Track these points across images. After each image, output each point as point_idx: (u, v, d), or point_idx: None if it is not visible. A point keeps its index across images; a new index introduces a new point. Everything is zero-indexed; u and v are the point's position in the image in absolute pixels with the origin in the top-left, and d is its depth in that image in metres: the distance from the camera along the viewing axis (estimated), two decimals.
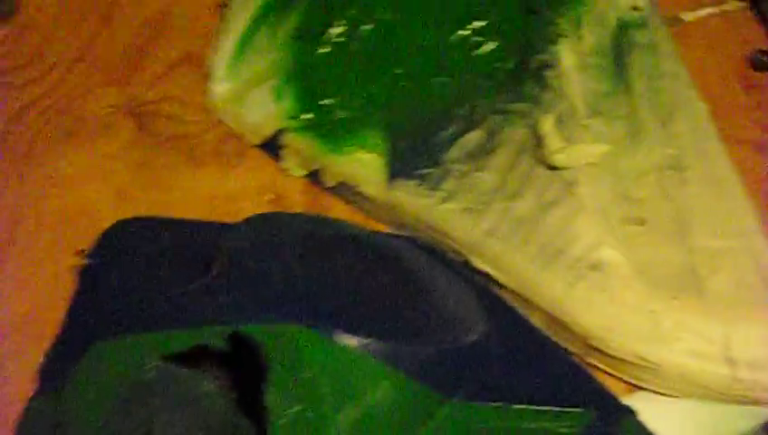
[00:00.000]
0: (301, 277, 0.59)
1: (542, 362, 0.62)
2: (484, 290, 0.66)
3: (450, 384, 0.57)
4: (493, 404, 0.57)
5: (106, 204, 0.74)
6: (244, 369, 0.56)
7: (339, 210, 0.75)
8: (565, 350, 0.65)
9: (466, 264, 0.69)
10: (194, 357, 0.57)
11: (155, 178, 0.76)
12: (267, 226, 0.64)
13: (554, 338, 0.66)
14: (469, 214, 0.69)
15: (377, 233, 0.70)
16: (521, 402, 0.58)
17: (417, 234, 0.71)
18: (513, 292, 0.67)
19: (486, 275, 0.68)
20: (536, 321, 0.66)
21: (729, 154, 0.73)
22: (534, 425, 0.57)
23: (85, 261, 0.69)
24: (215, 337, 0.56)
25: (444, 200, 0.69)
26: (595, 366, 0.65)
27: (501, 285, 0.67)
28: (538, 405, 0.57)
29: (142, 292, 0.65)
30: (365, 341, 0.55)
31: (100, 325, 0.63)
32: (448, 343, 0.57)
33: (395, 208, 0.71)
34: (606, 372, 0.65)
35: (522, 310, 0.67)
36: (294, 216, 0.70)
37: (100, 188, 0.75)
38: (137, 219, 0.73)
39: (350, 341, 0.55)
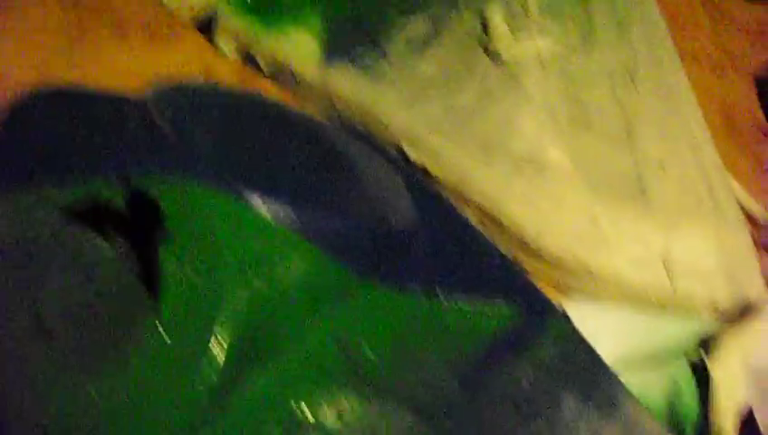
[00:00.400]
0: (216, 142, 0.54)
1: (470, 254, 0.58)
2: (415, 179, 0.61)
3: (370, 267, 0.53)
4: (415, 292, 0.54)
5: (26, 76, 0.68)
6: (146, 234, 0.50)
7: (272, 96, 0.69)
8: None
9: (401, 155, 0.64)
10: (92, 218, 0.52)
11: (80, 52, 0.70)
12: (188, 92, 0.59)
13: (491, 239, 0.61)
14: (408, 102, 0.64)
15: (302, 113, 0.65)
16: (444, 293, 0.54)
17: (351, 123, 0.67)
18: (449, 187, 0.63)
19: (422, 169, 0.63)
20: (470, 218, 0.61)
21: (685, 70, 0.69)
22: (458, 318, 0.54)
23: None
24: (111, 190, 0.52)
25: (381, 85, 0.65)
26: (527, 272, 0.60)
27: (436, 180, 0.63)
28: (463, 297, 0.54)
29: (41, 151, 0.59)
30: (278, 208, 0.50)
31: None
32: (370, 222, 0.52)
33: (330, 92, 0.67)
34: (536, 277, 0.60)
35: (460, 205, 0.62)
36: (218, 87, 0.65)
37: (22, 60, 0.69)
38: (50, 90, 0.67)
39: (262, 207, 0.50)
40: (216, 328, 0.47)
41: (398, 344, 0.51)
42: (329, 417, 0.47)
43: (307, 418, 0.47)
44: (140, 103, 0.59)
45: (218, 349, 0.47)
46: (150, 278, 0.51)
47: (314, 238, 0.50)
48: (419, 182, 0.62)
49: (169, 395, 0.46)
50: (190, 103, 0.57)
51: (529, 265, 0.61)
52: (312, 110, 0.69)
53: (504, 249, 0.61)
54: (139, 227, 0.52)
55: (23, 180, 0.55)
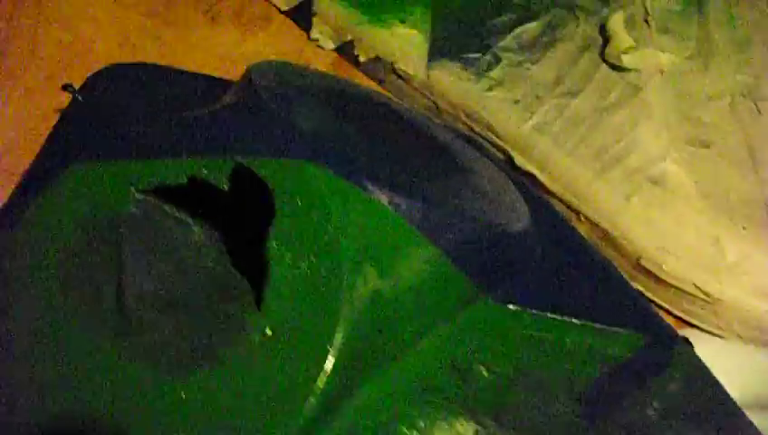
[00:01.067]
0: (327, 122, 0.50)
1: (588, 273, 0.53)
2: (527, 190, 0.56)
3: (485, 277, 0.48)
4: (532, 310, 0.49)
5: (108, 49, 0.64)
6: (246, 215, 0.45)
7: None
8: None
9: (508, 161, 0.59)
10: (185, 195, 0.48)
11: (167, 30, 0.66)
12: (291, 71, 0.55)
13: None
14: (518, 106, 0.60)
15: (409, 108, 0.60)
16: (562, 313, 0.49)
17: (456, 124, 0.62)
18: (559, 198, 0.58)
19: (531, 177, 0.58)
20: (586, 232, 0.56)
21: None
22: (577, 341, 0.49)
23: (74, 96, 0.59)
24: (212, 170, 0.47)
25: (491, 88, 0.61)
26: (642, 294, 0.55)
27: (546, 190, 0.58)
28: (582, 319, 0.49)
29: (131, 123, 0.54)
30: (399, 199, 0.45)
31: (77, 154, 0.52)
32: (490, 224, 0.47)
33: (434, 92, 0.62)
34: (654, 303, 0.55)
35: (571, 220, 0.58)
36: (319, 72, 0.61)
37: (106, 33, 0.65)
38: (135, 65, 0.63)
39: (381, 196, 0.45)
40: (333, 327, 0.41)
41: (514, 366, 0.47)
42: None
43: None
44: (238, 83, 0.54)
45: (333, 351, 0.42)
46: (252, 268, 0.46)
47: (437, 238, 0.45)
48: (531, 192, 0.57)
49: (275, 401, 0.42)
50: (296, 83, 0.53)
51: (645, 286, 0.55)
52: (410, 106, 0.64)
53: (619, 268, 0.56)
54: (241, 210, 0.47)
55: (106, 156, 0.51)
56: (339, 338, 0.42)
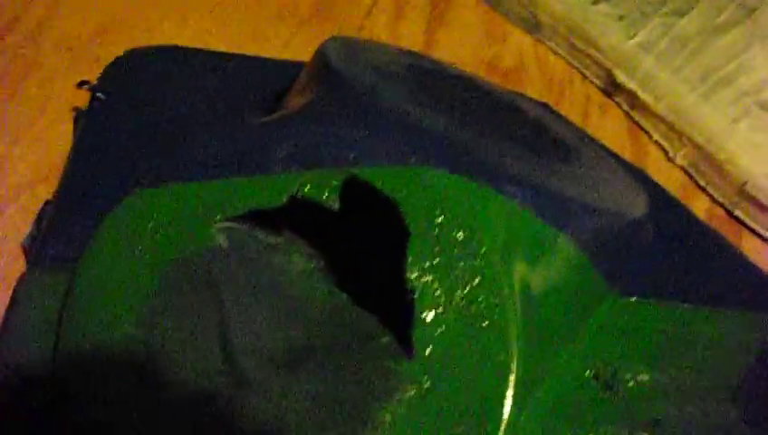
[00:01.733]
0: (429, 113, 0.46)
1: (711, 257, 0.52)
2: (639, 173, 0.54)
3: (613, 269, 0.47)
4: (658, 302, 0.47)
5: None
6: (362, 238, 0.44)
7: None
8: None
9: (610, 79, 0.57)
10: (280, 219, 0.44)
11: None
12: (369, 48, 0.50)
13: (703, 180, 0.56)
14: (623, 22, 0.57)
15: (487, 81, 0.56)
16: (688, 301, 0.48)
17: (554, 39, 0.58)
18: (662, 118, 0.56)
19: (632, 96, 0.56)
20: (685, 158, 0.56)
21: None
22: (714, 331, 0.47)
23: (93, 94, 0.53)
24: (314, 184, 0.42)
25: (596, 2, 0.57)
26: (744, 224, 0.56)
27: (649, 110, 0.56)
28: (711, 306, 0.47)
29: (182, 127, 0.50)
30: (529, 196, 0.43)
31: (123, 172, 0.48)
32: (612, 212, 0.46)
33: (536, 3, 0.58)
34: (758, 234, 0.56)
35: (669, 143, 0.58)
36: (381, 44, 0.55)
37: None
38: (159, 49, 0.57)
39: (512, 194, 0.43)
40: (505, 369, 0.41)
41: (659, 368, 0.45)
42: None
43: None
44: (310, 68, 0.49)
45: (509, 398, 0.40)
46: (389, 305, 0.43)
47: (570, 233, 0.44)
48: (643, 174, 0.55)
49: None
50: (379, 64, 0.49)
51: (747, 213, 0.56)
52: (511, 21, 0.60)
53: (719, 195, 0.57)
54: (356, 232, 0.45)
55: (170, 176, 0.46)
56: (512, 381, 0.41)
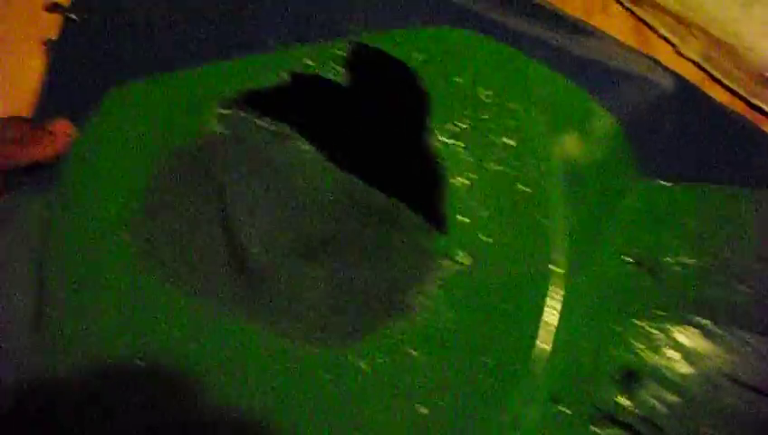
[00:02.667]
0: None
1: (739, 139, 0.49)
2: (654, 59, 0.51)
3: (642, 151, 0.44)
4: (691, 185, 0.45)
5: None
6: (375, 110, 0.39)
7: None
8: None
9: None
10: (282, 100, 0.41)
11: None
12: None
13: (717, 72, 0.52)
14: None
15: None
16: (720, 183, 0.45)
17: None
18: (667, 12, 0.54)
19: None
20: (696, 51, 0.53)
21: None
22: (747, 209, 0.44)
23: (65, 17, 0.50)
24: (316, 57, 0.39)
25: None
26: (764, 112, 0.52)
27: (653, 4, 0.53)
28: (741, 185, 0.45)
29: (162, 23, 0.47)
30: (558, 58, 0.40)
31: (103, 82, 0.46)
32: (642, 81, 0.42)
33: None
34: None
35: (677, 37, 0.55)
36: None
37: None
38: None
39: (542, 57, 0.40)
40: (552, 232, 0.38)
41: (699, 249, 0.42)
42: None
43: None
44: None
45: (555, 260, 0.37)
46: (413, 179, 0.40)
47: (604, 101, 0.41)
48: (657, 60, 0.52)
49: (504, 342, 0.37)
50: None
51: (765, 105, 0.53)
52: None
53: (737, 85, 0.53)
54: (368, 105, 0.41)
55: (155, 68, 0.44)
56: (557, 257, 0.38)
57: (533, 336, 0.37)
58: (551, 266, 0.38)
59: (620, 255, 0.41)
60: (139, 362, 0.39)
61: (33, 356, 0.40)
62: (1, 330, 0.42)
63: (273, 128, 0.41)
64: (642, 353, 0.40)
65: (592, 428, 0.39)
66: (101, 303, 0.40)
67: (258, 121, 0.41)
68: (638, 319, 0.40)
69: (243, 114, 0.41)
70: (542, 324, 0.38)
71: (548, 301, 0.37)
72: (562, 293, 0.38)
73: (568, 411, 0.39)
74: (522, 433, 0.38)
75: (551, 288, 0.37)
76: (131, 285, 0.39)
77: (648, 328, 0.40)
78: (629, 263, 0.41)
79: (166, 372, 0.38)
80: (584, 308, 0.39)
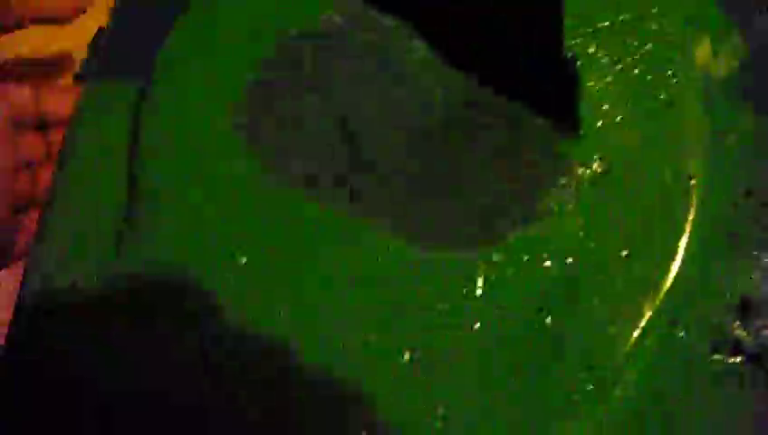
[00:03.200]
0: None
1: None
2: None
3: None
4: None
5: None
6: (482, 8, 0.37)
7: None
8: None
9: None
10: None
11: None
12: None
13: None
14: None
15: None
16: None
17: None
18: None
19: None
20: None
21: None
22: None
23: None
24: None
25: None
26: None
27: None
28: None
29: None
30: None
31: None
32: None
33: None
34: None
35: None
36: None
37: None
38: None
39: None
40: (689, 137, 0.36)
41: None
42: None
43: None
44: None
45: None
46: (547, 80, 0.38)
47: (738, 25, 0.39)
48: None
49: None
50: None
51: None
52: None
53: None
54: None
55: None
56: (695, 154, 0.36)
57: (667, 249, 0.35)
58: (687, 178, 0.36)
59: (731, 185, 0.39)
60: (240, 257, 0.36)
61: (122, 256, 0.37)
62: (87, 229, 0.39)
63: (388, 23, 0.38)
64: (757, 284, 0.38)
65: (715, 355, 0.37)
66: (201, 195, 0.37)
67: (375, 15, 0.38)
68: (754, 249, 0.38)
69: (359, 7, 0.38)
70: (673, 238, 0.35)
71: (681, 213, 0.35)
72: (696, 206, 0.36)
73: (686, 337, 0.37)
74: (640, 359, 0.36)
75: (684, 200, 0.35)
76: (235, 178, 0.36)
77: (763, 258, 0.38)
78: (740, 194, 0.39)
79: (267, 268, 0.35)
80: (710, 240, 0.37)
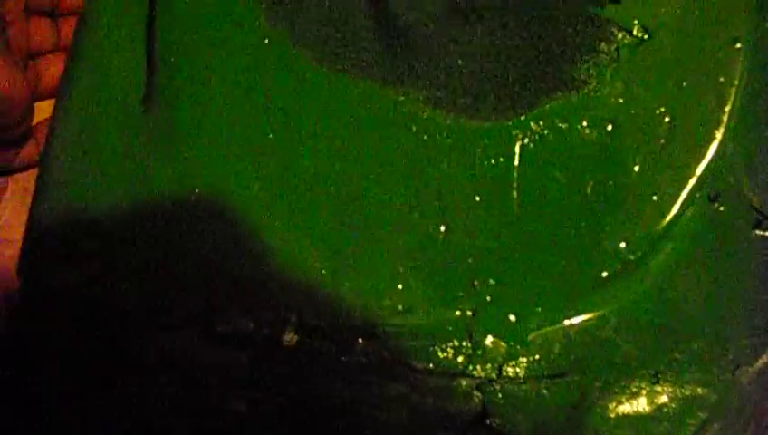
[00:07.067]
0: None
1: None
2: None
3: None
4: None
5: None
6: None
7: None
8: None
9: None
10: None
11: None
12: None
13: None
14: None
15: None
16: None
17: None
18: None
19: None
20: None
21: None
22: None
23: None
24: None
25: None
26: None
27: None
28: None
29: None
30: None
31: None
32: None
33: None
34: None
35: None
36: None
37: None
38: None
39: None
40: None
41: None
42: None
43: None
44: None
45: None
46: None
47: None
48: None
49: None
50: None
51: None
52: None
53: None
54: None
55: None
56: (740, 20, 0.35)
57: (711, 118, 0.34)
58: (731, 45, 0.34)
59: None
60: (267, 134, 0.34)
61: (143, 136, 0.35)
62: (110, 106, 0.37)
63: None
64: None
65: (756, 231, 0.36)
66: (221, 70, 0.35)
67: None
68: None
69: None
70: (717, 106, 0.34)
71: (726, 81, 0.34)
72: (741, 73, 0.34)
73: (726, 211, 0.35)
74: (681, 234, 0.35)
75: (729, 68, 0.34)
76: (259, 52, 0.35)
77: None
78: None
79: (294, 141, 0.34)
80: (754, 119, 0.36)
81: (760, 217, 0.38)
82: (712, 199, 0.37)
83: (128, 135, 0.38)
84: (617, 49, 0.35)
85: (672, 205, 0.35)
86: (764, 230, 0.38)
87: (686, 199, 0.36)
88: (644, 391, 0.35)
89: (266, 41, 0.37)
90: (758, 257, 0.37)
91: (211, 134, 0.37)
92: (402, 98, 0.36)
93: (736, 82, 0.35)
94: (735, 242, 0.37)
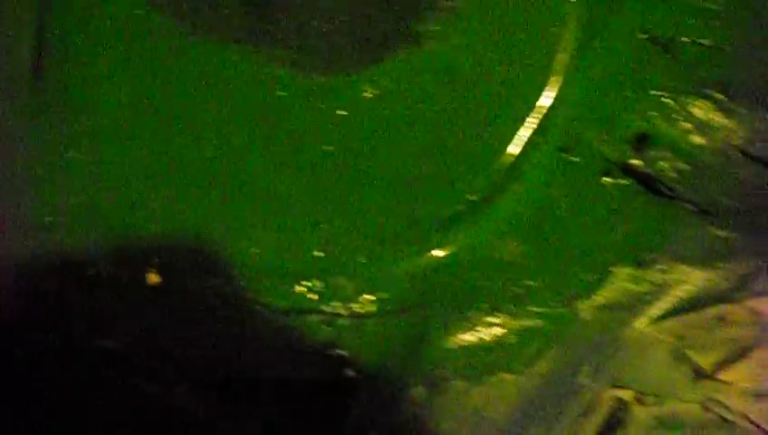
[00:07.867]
0: None
1: None
2: None
3: None
4: None
5: None
6: None
7: None
8: None
9: None
10: None
11: None
12: None
13: None
14: None
15: None
16: None
17: None
18: None
19: None
20: None
21: None
22: None
23: None
24: None
25: None
26: None
27: None
28: None
29: None
30: None
31: None
32: None
33: None
34: None
35: None
36: None
37: None
38: None
39: None
40: None
41: (719, 31, 0.41)
42: None
43: None
44: None
45: None
46: None
47: None
48: None
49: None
50: None
51: None
52: None
53: None
54: None
55: None
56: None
57: (544, 67, 0.36)
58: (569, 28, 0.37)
59: (635, 30, 0.39)
60: (146, 101, 0.37)
61: (32, 101, 0.38)
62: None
63: None
64: (655, 121, 0.39)
65: (603, 178, 0.38)
66: (102, 44, 0.38)
67: None
68: (651, 89, 0.39)
69: None
70: (553, 67, 0.36)
71: (562, 41, 0.36)
72: (578, 37, 0.36)
73: (577, 160, 0.37)
74: (527, 179, 0.37)
75: (563, 18, 0.36)
76: (133, 24, 0.38)
77: (661, 98, 0.39)
78: (644, 38, 0.40)
79: (167, 103, 0.37)
80: (598, 72, 0.38)
81: (610, 168, 0.40)
82: (563, 150, 0.39)
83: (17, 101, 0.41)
84: (457, 4, 0.38)
85: (511, 149, 0.37)
86: (615, 178, 0.39)
87: (526, 145, 0.38)
88: (482, 324, 0.37)
89: (146, 12, 0.40)
90: (605, 201, 0.39)
91: (94, 103, 0.40)
92: (257, 56, 0.39)
93: (570, 34, 0.37)
94: (585, 187, 0.39)
